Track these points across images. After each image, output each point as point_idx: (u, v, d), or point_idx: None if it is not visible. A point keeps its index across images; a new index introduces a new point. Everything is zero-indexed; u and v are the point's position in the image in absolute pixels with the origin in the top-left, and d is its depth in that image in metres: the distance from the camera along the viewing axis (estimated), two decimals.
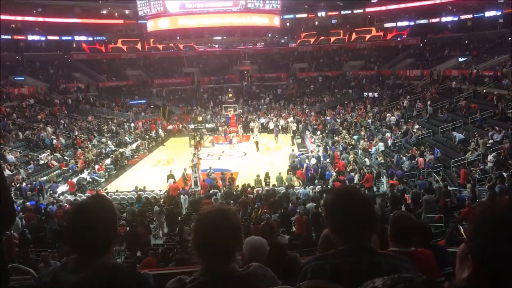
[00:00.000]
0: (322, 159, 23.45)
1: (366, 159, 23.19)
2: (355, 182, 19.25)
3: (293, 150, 27.43)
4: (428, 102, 28.49)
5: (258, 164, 25.45)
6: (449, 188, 15.23)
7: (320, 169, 21.61)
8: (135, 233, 11.81)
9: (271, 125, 35.83)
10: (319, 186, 18.82)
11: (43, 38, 47.91)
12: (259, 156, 28.35)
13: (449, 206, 12.77)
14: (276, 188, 18.16)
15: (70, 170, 23.76)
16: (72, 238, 1.76)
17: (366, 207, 1.75)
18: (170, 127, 37.72)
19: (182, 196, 17.37)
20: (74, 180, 22.02)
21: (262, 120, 36.98)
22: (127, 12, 51.83)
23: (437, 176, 18.64)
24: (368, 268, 1.67)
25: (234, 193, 17.30)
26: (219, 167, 23.82)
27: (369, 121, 31.52)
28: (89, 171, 23.92)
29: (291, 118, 35.97)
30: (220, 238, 1.68)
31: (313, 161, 23.12)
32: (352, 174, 20.37)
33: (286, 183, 19.57)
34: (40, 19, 45.52)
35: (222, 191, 18.06)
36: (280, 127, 35.21)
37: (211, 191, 17.22)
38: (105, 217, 1.77)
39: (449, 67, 35.60)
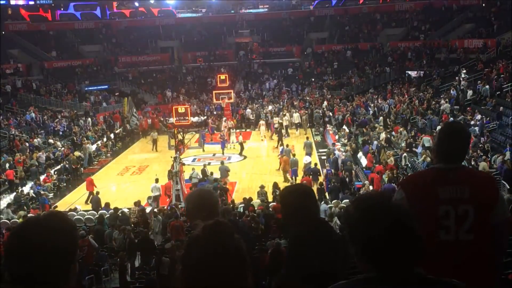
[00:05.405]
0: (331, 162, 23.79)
1: (406, 161, 23.43)
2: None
3: (307, 139, 28.13)
4: (487, 86, 28.38)
5: (262, 171, 25.49)
6: None
7: (326, 178, 21.74)
8: None
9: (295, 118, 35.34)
10: (347, 200, 18.79)
11: None
12: (264, 161, 28.51)
13: None
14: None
15: (6, 183, 23.83)
16: (12, 267, 1.72)
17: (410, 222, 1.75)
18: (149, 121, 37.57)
19: (155, 217, 17.35)
20: (11, 196, 22.07)
21: (270, 107, 37.23)
22: None
23: (507, 185, 18.61)
24: None
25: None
26: None
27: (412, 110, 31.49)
28: (32, 183, 23.94)
29: (287, 115, 34.87)
30: (220, 274, 1.58)
31: (307, 159, 23.86)
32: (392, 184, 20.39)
33: None
34: None
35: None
36: (289, 121, 34.89)
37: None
38: (61, 240, 1.74)
39: None
